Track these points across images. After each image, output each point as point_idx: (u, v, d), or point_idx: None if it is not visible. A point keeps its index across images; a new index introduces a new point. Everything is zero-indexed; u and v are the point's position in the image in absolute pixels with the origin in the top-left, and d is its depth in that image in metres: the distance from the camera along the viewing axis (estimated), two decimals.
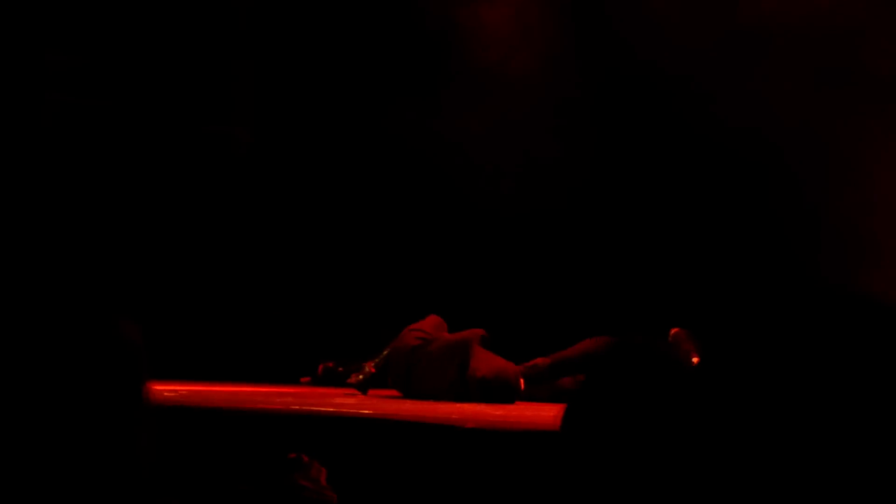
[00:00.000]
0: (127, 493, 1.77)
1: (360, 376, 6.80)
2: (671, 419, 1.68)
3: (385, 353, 6.82)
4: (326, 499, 2.58)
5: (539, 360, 6.75)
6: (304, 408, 5.01)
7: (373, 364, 6.81)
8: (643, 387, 1.73)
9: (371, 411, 5.17)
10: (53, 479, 1.75)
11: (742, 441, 1.28)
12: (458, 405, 6.00)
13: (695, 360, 6.58)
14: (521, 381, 6.56)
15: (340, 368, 7.41)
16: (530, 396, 6.53)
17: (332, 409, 5.16)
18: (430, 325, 6.95)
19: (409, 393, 6.62)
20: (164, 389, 5.47)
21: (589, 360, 6.79)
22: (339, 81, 8.68)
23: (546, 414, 5.41)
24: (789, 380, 1.27)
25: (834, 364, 1.26)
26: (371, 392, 6.75)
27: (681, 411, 1.63)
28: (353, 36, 8.52)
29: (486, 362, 6.51)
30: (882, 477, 1.22)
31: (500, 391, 6.40)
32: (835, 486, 1.23)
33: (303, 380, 7.58)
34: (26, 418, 1.75)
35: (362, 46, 8.50)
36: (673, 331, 7.03)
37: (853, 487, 1.22)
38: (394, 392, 6.77)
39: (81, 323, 1.80)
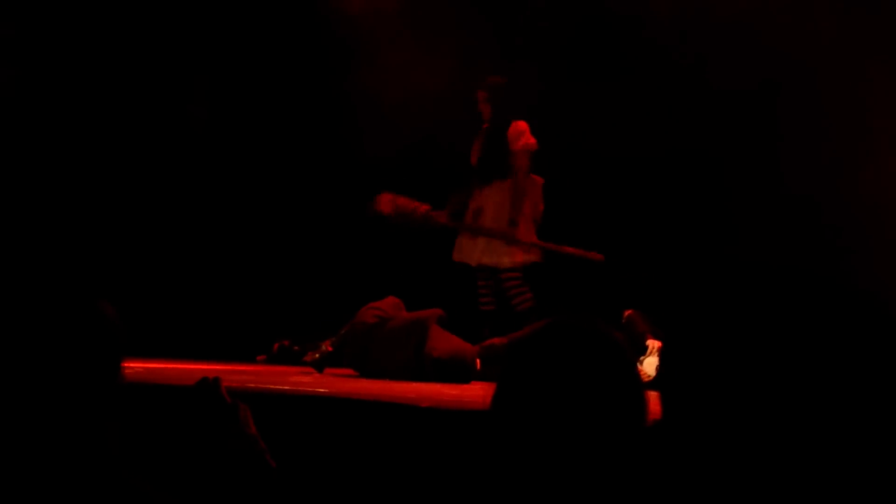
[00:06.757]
0: (99, 467, 1.78)
1: (317, 354, 6.80)
2: (599, 395, 1.68)
3: (342, 331, 6.81)
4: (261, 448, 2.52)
5: (495, 341, 6.77)
6: (261, 386, 5.00)
7: (330, 342, 6.81)
8: (568, 364, 1.72)
9: (327, 390, 5.17)
10: (31, 453, 1.76)
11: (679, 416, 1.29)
12: (414, 384, 6.01)
13: (649, 341, 6.62)
14: (478, 361, 6.57)
15: (296, 347, 7.40)
16: (486, 376, 6.55)
17: (288, 388, 5.15)
18: (388, 304, 6.94)
19: (366, 372, 6.62)
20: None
21: None
22: (284, 70, 8.79)
23: None
24: (736, 356, 1.28)
25: (785, 346, 1.27)
26: (327, 370, 6.75)
27: (609, 388, 1.64)
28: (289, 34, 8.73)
29: (443, 342, 6.52)
30: (832, 453, 1.23)
31: (456, 371, 6.41)
32: (783, 463, 1.24)
33: (259, 358, 7.57)
34: (5, 394, 1.75)
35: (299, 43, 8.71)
36: (626, 312, 7.07)
37: (803, 465, 1.24)
38: (350, 371, 6.77)
39: (61, 303, 1.80)
